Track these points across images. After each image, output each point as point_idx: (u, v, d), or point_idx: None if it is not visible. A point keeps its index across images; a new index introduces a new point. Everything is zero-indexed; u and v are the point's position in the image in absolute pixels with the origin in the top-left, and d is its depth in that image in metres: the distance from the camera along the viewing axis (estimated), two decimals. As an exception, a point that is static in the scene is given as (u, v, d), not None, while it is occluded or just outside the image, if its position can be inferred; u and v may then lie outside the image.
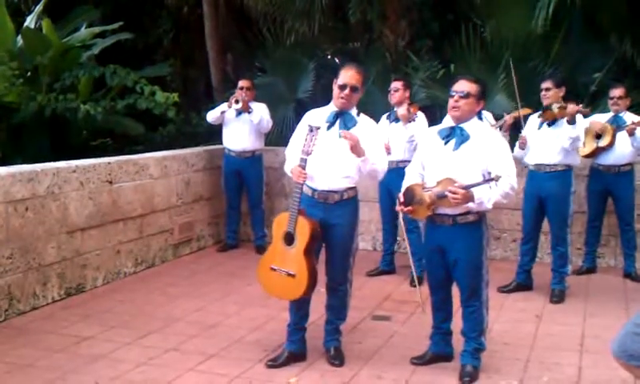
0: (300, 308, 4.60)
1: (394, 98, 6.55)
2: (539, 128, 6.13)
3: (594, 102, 8.07)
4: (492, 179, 3.97)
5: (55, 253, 5.96)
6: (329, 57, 11.82)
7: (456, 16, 10.46)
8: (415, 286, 6.38)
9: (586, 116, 6.12)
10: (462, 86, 4.20)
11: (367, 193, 7.39)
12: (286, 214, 4.38)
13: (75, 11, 11.82)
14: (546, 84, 6.14)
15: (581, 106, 5.99)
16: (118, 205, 6.71)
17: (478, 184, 3.99)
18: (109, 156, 7.32)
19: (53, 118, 9.42)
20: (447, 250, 4.24)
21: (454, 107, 4.20)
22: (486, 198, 4.05)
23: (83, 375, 4.39)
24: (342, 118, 4.47)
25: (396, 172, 6.42)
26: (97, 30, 10.53)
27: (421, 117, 6.56)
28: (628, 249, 6.83)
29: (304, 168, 4.28)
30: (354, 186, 4.49)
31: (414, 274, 4.82)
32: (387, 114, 6.69)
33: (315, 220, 4.38)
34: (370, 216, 7.69)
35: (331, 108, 4.53)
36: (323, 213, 4.43)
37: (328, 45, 11.66)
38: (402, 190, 4.33)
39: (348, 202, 4.48)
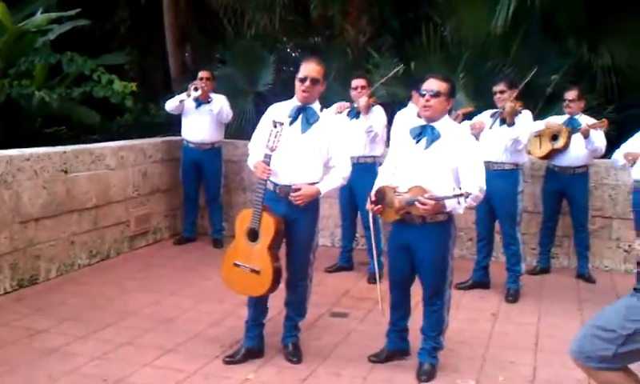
0: (258, 304, 4.58)
1: (359, 95, 6.52)
2: (491, 127, 6.18)
3: (551, 103, 8.17)
4: (461, 195, 3.95)
5: (7, 243, 5.82)
6: (288, 50, 11.80)
7: (417, 14, 10.52)
8: (374, 283, 6.42)
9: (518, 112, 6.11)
10: (432, 84, 4.20)
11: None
12: (250, 210, 4.35)
13: (31, -4, 11.55)
14: (499, 87, 6.13)
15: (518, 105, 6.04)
16: (73, 195, 6.58)
17: (448, 197, 3.99)
18: (63, 145, 7.17)
19: (6, 103, 9.19)
20: (414, 249, 4.25)
21: (425, 106, 4.20)
22: (457, 206, 4.07)
23: (36, 369, 4.29)
24: (304, 112, 4.45)
25: (356, 168, 6.43)
26: (53, 15, 10.25)
27: (379, 110, 6.58)
28: (581, 249, 6.94)
29: (268, 164, 4.25)
30: (316, 181, 4.46)
31: (376, 269, 4.81)
32: (347, 109, 6.67)
33: (279, 216, 4.36)
34: (329, 212, 7.67)
35: (294, 102, 4.51)
36: (285, 208, 4.41)
37: (289, 38, 11.62)
38: (374, 189, 4.31)
39: None
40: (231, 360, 4.50)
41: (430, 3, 10.08)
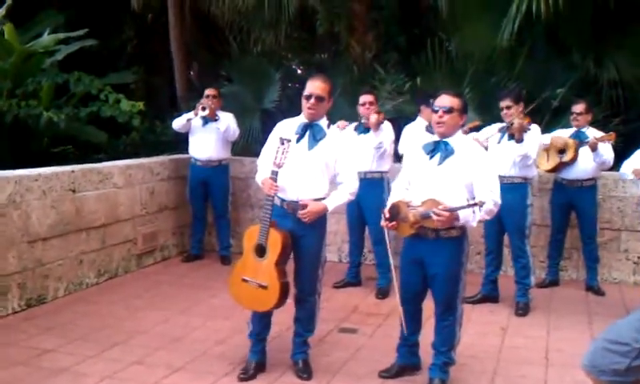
0: (262, 318, 4.61)
1: (367, 111, 6.53)
2: (499, 142, 6.18)
3: (556, 117, 8.18)
4: (476, 204, 3.96)
5: (16, 263, 5.83)
6: (294, 67, 11.84)
7: (422, 30, 10.56)
8: (382, 298, 6.41)
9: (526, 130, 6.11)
10: (445, 101, 4.22)
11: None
12: (257, 227, 4.38)
13: (39, 16, 11.65)
14: (505, 102, 6.12)
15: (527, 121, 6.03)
16: (81, 214, 6.59)
17: (462, 207, 3.99)
18: (70, 164, 7.20)
19: (14, 124, 9.24)
20: (427, 263, 4.24)
21: (438, 123, 4.22)
22: (471, 217, 4.07)
23: (45, 389, 4.30)
24: (311, 129, 4.48)
25: (364, 183, 6.43)
26: (61, 36, 10.34)
27: (387, 126, 6.59)
28: (590, 262, 6.92)
29: (275, 180, 4.28)
30: (323, 197, 4.47)
31: (395, 284, 4.77)
32: (355, 125, 6.68)
33: (286, 231, 4.38)
34: (336, 227, 7.68)
35: (301, 119, 4.54)
36: (292, 223, 4.42)
37: (294, 55, 11.67)
38: (388, 205, 4.33)
39: None
40: (245, 376, 4.51)
41: (435, 19, 10.12)
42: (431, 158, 4.24)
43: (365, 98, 6.60)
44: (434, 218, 3.96)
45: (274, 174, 4.28)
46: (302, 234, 4.43)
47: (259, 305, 4.47)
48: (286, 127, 4.56)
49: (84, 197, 6.63)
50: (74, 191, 6.49)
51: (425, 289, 4.38)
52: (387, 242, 4.49)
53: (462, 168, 4.15)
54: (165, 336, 5.34)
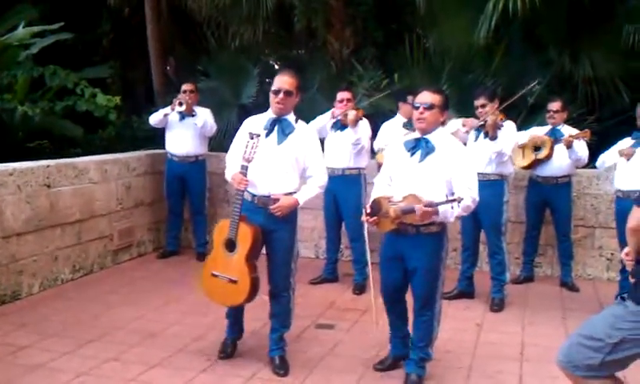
0: (235, 323, 4.79)
1: (344, 107, 6.52)
2: (475, 140, 6.21)
3: (533, 114, 8.24)
4: (454, 200, 3.98)
5: (-10, 258, 5.77)
6: (272, 63, 11.82)
7: (400, 26, 10.60)
8: (359, 293, 6.43)
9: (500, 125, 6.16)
10: (426, 97, 4.23)
11: (310, 200, 7.38)
12: (227, 221, 4.42)
13: (13, 9, 11.51)
14: (480, 101, 6.14)
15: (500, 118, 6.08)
16: (56, 209, 6.54)
17: (442, 203, 4.00)
18: (45, 158, 7.13)
19: (-12, 117, 9.16)
20: (407, 258, 4.27)
21: (419, 119, 4.24)
22: (449, 212, 4.09)
23: (20, 386, 4.26)
24: (279, 124, 4.52)
25: (342, 179, 6.49)
26: (36, 29, 10.24)
27: (365, 122, 6.59)
28: (565, 258, 6.99)
29: (245, 175, 4.33)
30: (293, 191, 4.51)
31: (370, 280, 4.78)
32: (332, 122, 6.66)
33: (256, 226, 4.40)
34: (313, 224, 7.69)
35: (269, 114, 4.58)
36: (263, 218, 4.46)
37: (272, 51, 11.64)
38: (369, 201, 4.35)
39: None
40: (224, 356, 4.73)
41: (412, 15, 10.15)
42: (412, 154, 4.25)
43: (342, 95, 6.59)
44: (418, 213, 3.97)
45: (244, 168, 4.33)
46: (273, 228, 4.47)
47: (230, 299, 4.53)
48: (255, 122, 4.61)
49: (59, 192, 6.57)
50: (49, 186, 6.43)
51: (406, 284, 4.40)
52: (366, 238, 4.50)
53: (442, 165, 4.17)
54: (141, 332, 5.31)
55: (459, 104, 8.44)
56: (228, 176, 4.58)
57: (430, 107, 4.20)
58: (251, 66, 10.32)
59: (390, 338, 4.66)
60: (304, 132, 4.58)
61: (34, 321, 5.52)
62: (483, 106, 6.11)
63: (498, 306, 6.14)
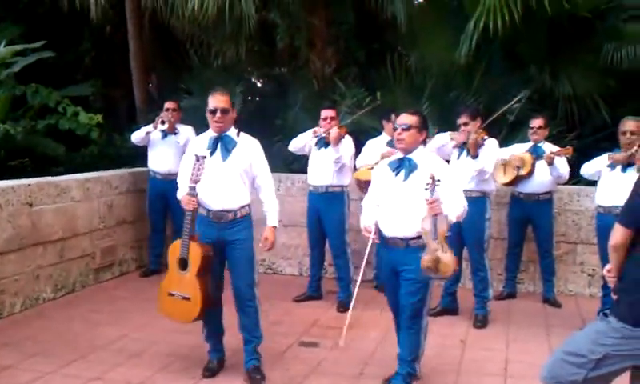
0: (218, 342, 4.88)
1: (328, 125, 6.55)
2: (458, 158, 6.25)
3: (514, 131, 8.31)
4: (434, 181, 4.15)
5: (-30, 278, 5.71)
6: (254, 81, 11.84)
7: (382, 45, 10.67)
8: (343, 311, 6.42)
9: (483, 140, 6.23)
10: (404, 119, 4.43)
11: (294, 217, 7.41)
12: (179, 241, 4.56)
13: (-6, 28, 11.44)
14: (462, 119, 6.18)
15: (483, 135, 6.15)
16: (38, 228, 6.49)
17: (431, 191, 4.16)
18: (27, 177, 7.07)
19: (-31, 136, 9.08)
20: (399, 270, 4.40)
21: (398, 140, 4.43)
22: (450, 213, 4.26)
23: (1, 407, 4.21)
24: (221, 141, 4.66)
25: (325, 197, 6.53)
26: (18, 47, 10.20)
27: (348, 140, 6.63)
28: (547, 275, 7.04)
29: (193, 196, 4.45)
30: (247, 203, 4.68)
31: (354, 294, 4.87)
32: (316, 139, 6.68)
33: (207, 244, 4.57)
34: (297, 241, 7.68)
35: (210, 134, 4.71)
36: (218, 232, 4.61)
37: (255, 69, 11.67)
38: (363, 221, 4.54)
39: (242, 219, 4.67)
40: (209, 374, 4.78)
41: (394, 34, 10.22)
42: (397, 174, 4.42)
43: (326, 113, 6.62)
44: (429, 206, 4.13)
45: (192, 189, 4.46)
46: (229, 240, 4.63)
47: (185, 316, 4.68)
48: (198, 144, 4.75)
49: (41, 210, 6.52)
50: (30, 205, 6.39)
51: None
52: (365, 256, 4.68)
53: (426, 181, 4.24)
54: (124, 351, 5.28)
55: (441, 121, 8.48)
56: (179, 196, 4.68)
57: (408, 128, 4.39)
58: (234, 84, 10.31)
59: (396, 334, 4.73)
60: (246, 144, 4.73)
61: (15, 340, 5.47)
62: (465, 124, 6.16)
63: (481, 322, 6.17)
